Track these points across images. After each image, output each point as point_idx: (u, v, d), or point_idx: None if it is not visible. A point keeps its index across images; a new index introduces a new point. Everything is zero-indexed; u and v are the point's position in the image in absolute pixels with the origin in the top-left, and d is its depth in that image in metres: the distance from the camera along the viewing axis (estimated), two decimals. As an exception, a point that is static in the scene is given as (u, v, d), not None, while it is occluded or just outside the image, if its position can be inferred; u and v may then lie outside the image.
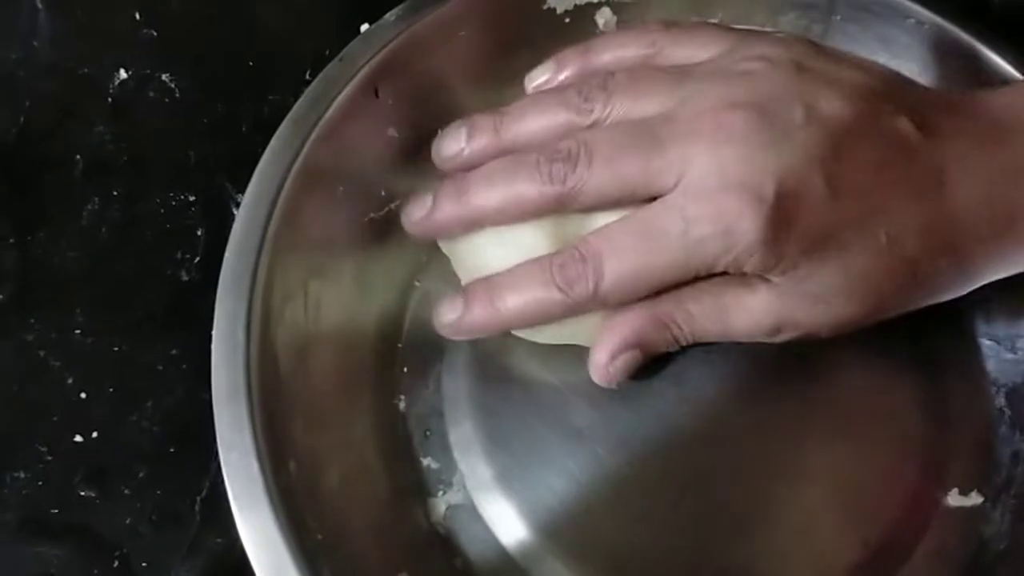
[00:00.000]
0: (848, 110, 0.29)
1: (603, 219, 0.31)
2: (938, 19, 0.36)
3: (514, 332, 0.34)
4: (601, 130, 0.31)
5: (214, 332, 0.29)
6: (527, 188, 0.30)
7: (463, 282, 0.34)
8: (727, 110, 0.29)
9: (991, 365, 0.36)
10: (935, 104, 0.31)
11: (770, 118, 0.28)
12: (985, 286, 0.36)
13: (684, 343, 0.32)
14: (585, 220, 0.31)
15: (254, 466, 0.27)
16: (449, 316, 0.32)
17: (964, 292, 0.32)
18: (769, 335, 0.32)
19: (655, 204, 0.30)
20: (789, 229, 0.28)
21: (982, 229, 0.30)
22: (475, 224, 0.32)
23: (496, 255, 0.32)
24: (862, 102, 0.29)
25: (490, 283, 0.32)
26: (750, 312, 0.31)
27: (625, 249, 0.30)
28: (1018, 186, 0.30)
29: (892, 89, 0.30)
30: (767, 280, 0.30)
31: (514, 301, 0.31)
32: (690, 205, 0.29)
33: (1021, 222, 0.30)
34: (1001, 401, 0.35)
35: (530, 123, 0.32)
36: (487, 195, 0.31)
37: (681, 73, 0.31)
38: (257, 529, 0.27)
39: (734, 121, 0.28)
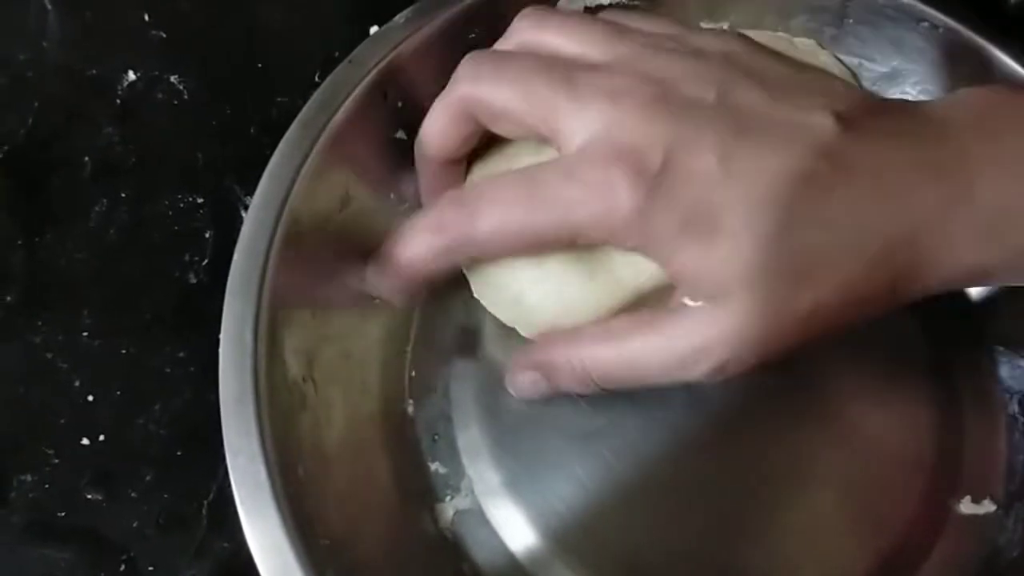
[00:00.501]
0: (762, 100, 0.28)
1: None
2: (952, 22, 0.36)
3: (519, 330, 0.34)
4: (526, 56, 0.30)
5: (222, 335, 0.29)
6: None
7: (475, 292, 0.34)
8: (642, 80, 0.28)
9: (1004, 372, 0.36)
10: (869, 107, 0.29)
11: (680, 95, 0.28)
12: (997, 294, 0.36)
13: (591, 387, 0.31)
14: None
15: (261, 471, 0.27)
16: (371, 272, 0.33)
17: (900, 302, 0.30)
18: (689, 369, 0.29)
19: (547, 161, 0.29)
20: (669, 202, 0.27)
21: (893, 227, 0.28)
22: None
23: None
24: (780, 95, 0.29)
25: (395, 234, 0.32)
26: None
27: (506, 198, 0.29)
28: (937, 185, 0.28)
29: (823, 88, 0.30)
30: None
31: (404, 250, 0.31)
32: (577, 164, 0.28)
33: (941, 222, 0.28)
34: (1014, 408, 0.35)
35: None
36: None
37: (620, 33, 0.31)
38: (264, 534, 0.27)
39: (644, 92, 0.28)
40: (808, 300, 0.27)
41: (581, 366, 0.30)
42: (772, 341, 0.28)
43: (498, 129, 0.31)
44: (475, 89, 0.30)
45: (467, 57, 0.31)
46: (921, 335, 0.36)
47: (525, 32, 0.31)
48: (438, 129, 0.32)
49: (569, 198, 0.28)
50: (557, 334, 0.31)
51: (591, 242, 0.29)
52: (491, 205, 0.29)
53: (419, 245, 0.31)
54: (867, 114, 0.29)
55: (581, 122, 0.28)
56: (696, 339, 0.28)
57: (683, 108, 0.28)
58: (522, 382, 0.32)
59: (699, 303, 0.28)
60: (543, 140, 0.30)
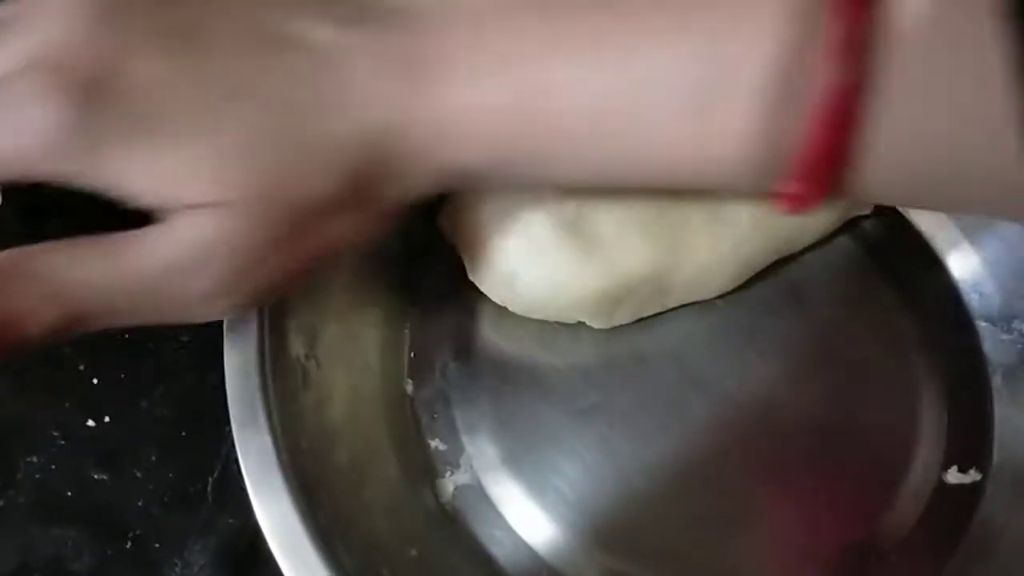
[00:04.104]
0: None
1: (607, 196, 0.31)
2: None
3: (512, 310, 0.34)
4: None
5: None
6: None
7: (470, 273, 0.35)
8: None
9: (988, 346, 0.36)
10: (368, 2, 0.27)
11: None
12: (981, 270, 0.37)
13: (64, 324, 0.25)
14: (589, 200, 0.32)
15: (267, 442, 0.28)
16: None
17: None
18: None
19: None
20: (113, 114, 0.23)
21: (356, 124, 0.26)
22: None
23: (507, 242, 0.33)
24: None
25: None
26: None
27: None
28: (401, 80, 0.26)
29: None
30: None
31: None
32: (19, 81, 0.24)
33: (407, 119, 0.26)
34: (998, 381, 0.36)
35: None
36: None
37: None
38: (271, 503, 0.27)
39: (87, 4, 0.24)
40: (296, 191, 0.25)
41: (60, 290, 0.24)
42: (269, 249, 0.25)
43: None
44: None
45: None
46: (906, 311, 0.36)
47: None
48: None
49: (16, 119, 0.23)
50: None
51: (43, 177, 0.24)
52: None
53: None
54: (351, 4, 0.26)
55: (22, 44, 0.24)
56: (187, 247, 0.24)
57: (128, 10, 0.24)
58: None
59: (181, 212, 0.24)
60: None
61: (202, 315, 0.26)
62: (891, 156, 0.25)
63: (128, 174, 0.24)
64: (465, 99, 0.26)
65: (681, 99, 0.25)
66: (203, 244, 0.24)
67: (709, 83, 0.25)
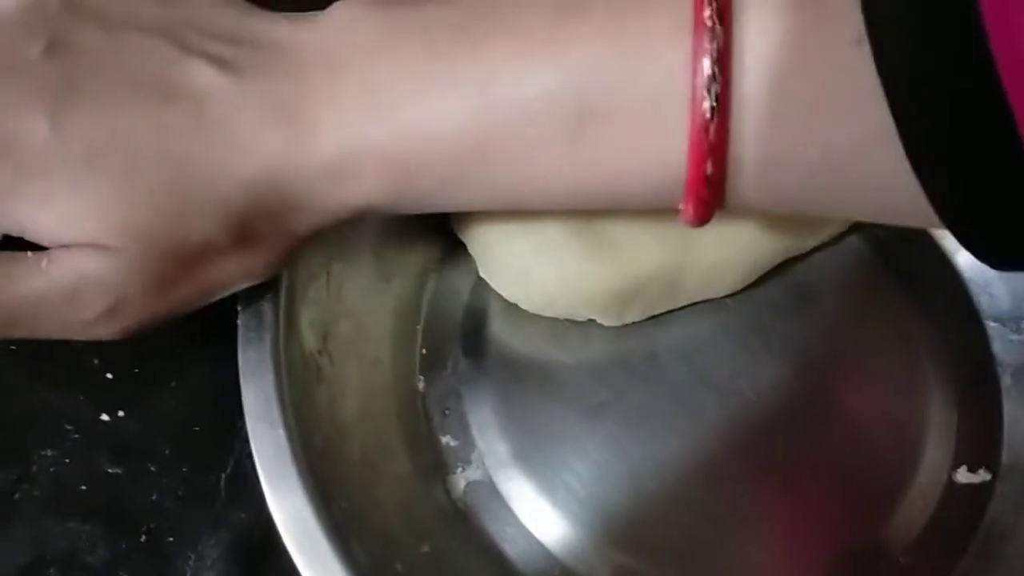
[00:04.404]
0: (105, 44, 0.26)
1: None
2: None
3: (523, 307, 0.35)
4: None
5: (240, 309, 0.30)
6: None
7: (481, 271, 0.35)
8: None
9: (997, 346, 0.37)
10: (233, 36, 0.27)
11: (2, 56, 0.26)
12: (989, 271, 0.37)
13: None
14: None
15: (281, 436, 0.28)
16: None
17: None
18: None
19: None
20: (1, 168, 0.25)
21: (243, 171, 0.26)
22: None
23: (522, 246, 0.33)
24: (132, 36, 0.26)
25: None
26: None
27: None
28: (279, 126, 0.26)
29: (199, 28, 0.27)
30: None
31: None
32: None
33: (293, 163, 0.26)
34: (1007, 381, 0.36)
35: None
36: None
37: None
38: (284, 497, 0.28)
39: None
40: (178, 239, 0.26)
41: None
42: (146, 288, 0.26)
43: None
44: None
45: None
46: (916, 311, 0.37)
47: None
48: None
49: None
50: None
51: None
52: None
53: None
54: (233, 44, 0.27)
55: None
56: (65, 278, 0.26)
57: (8, 71, 0.26)
58: None
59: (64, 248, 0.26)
60: None
61: (93, 335, 0.27)
62: (762, 178, 0.26)
63: (18, 220, 0.25)
64: (348, 141, 0.26)
65: (561, 125, 0.26)
66: (79, 278, 0.26)
67: (588, 108, 0.25)
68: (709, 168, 0.25)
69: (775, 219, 0.34)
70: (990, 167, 0.22)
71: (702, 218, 0.26)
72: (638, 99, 0.25)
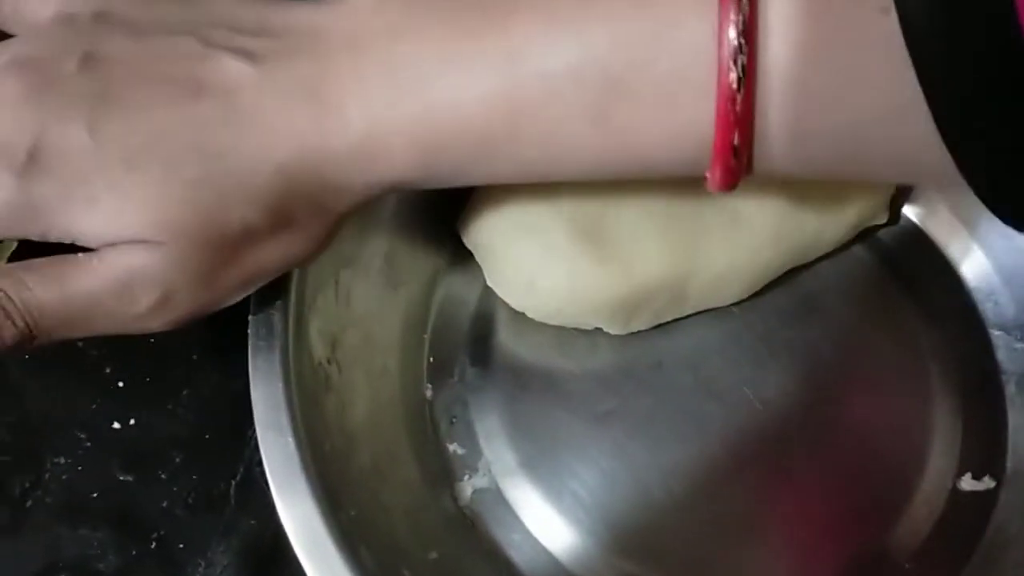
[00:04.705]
0: (135, 51, 0.27)
1: (624, 204, 0.32)
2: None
3: (530, 316, 0.35)
4: None
5: (250, 318, 0.31)
6: None
7: (488, 279, 0.35)
8: (8, 70, 0.27)
9: (1001, 355, 0.37)
10: (259, 28, 0.28)
11: (40, 72, 0.27)
12: (994, 280, 0.37)
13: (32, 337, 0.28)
14: (607, 208, 0.33)
15: (290, 443, 0.28)
16: None
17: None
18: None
19: None
20: (46, 184, 0.26)
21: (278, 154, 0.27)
22: None
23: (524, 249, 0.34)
24: (160, 41, 0.27)
25: None
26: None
27: None
28: (308, 106, 0.27)
29: (212, 19, 0.28)
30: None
31: None
32: None
33: (321, 144, 0.27)
34: (1012, 389, 0.36)
35: None
36: None
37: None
38: (294, 504, 0.28)
39: (10, 83, 0.27)
40: (219, 228, 0.27)
41: (22, 306, 0.27)
42: (193, 278, 0.27)
43: None
44: None
45: None
46: (920, 319, 0.37)
47: None
48: None
49: None
50: None
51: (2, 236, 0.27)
52: None
53: None
54: (257, 36, 0.27)
55: None
56: (116, 274, 0.27)
57: (48, 87, 0.26)
58: None
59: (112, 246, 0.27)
60: None
61: (144, 328, 0.28)
62: (789, 146, 0.26)
63: (68, 228, 0.26)
64: (375, 120, 0.27)
65: (587, 99, 0.26)
66: (128, 274, 0.27)
67: (613, 82, 0.25)
68: (736, 138, 0.25)
69: (782, 228, 0.34)
70: (1021, 134, 0.22)
71: (729, 185, 0.27)
72: (664, 72, 0.25)
